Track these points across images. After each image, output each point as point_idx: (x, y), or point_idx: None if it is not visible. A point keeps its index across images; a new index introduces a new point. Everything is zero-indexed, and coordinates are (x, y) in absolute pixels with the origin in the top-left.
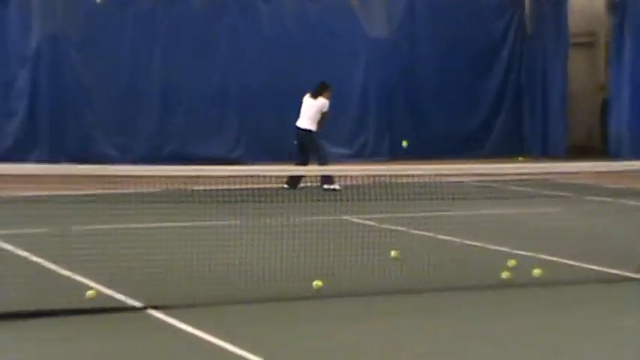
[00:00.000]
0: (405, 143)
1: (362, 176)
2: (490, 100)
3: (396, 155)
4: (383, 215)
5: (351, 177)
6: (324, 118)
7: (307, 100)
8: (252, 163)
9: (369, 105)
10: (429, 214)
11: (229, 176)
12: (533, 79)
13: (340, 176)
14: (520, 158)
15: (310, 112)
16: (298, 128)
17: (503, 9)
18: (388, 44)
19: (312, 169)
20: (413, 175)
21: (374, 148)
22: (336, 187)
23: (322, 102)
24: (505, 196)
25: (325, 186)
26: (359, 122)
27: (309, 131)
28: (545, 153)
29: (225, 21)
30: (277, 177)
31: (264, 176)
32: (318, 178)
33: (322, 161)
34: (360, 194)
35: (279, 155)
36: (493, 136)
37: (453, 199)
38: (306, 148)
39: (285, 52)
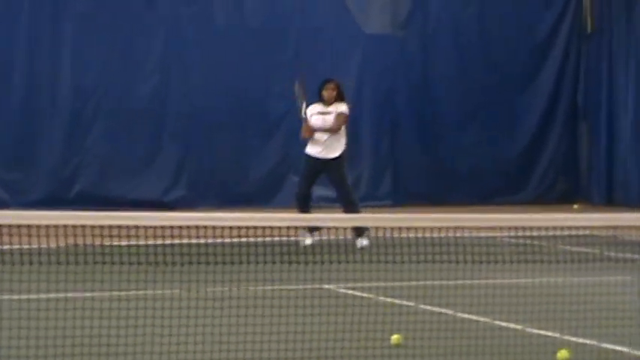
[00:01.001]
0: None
1: (351, 228)
2: (534, 123)
3: (401, 200)
4: (381, 284)
5: (336, 229)
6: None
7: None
8: (197, 210)
9: (363, 129)
10: (446, 283)
11: (166, 227)
12: (596, 94)
13: (321, 228)
14: (575, 206)
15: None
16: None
17: None
18: (390, 43)
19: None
20: (424, 228)
21: (369, 189)
22: (306, 241)
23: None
24: (553, 259)
25: (305, 241)
26: (349, 154)
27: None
28: (611, 199)
29: (161, 8)
30: (235, 228)
31: (216, 227)
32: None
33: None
34: (348, 254)
35: (234, 198)
36: (537, 174)
37: (481, 262)
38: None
39: (246, 53)
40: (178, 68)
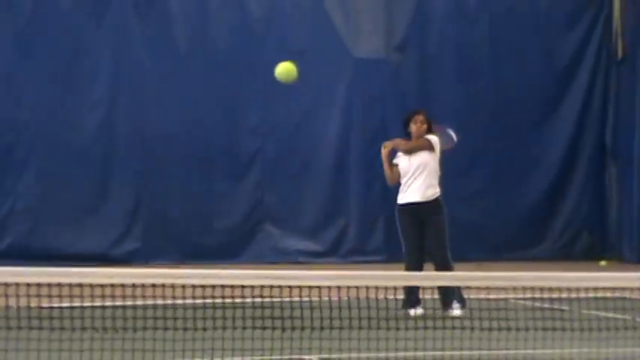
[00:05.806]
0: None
1: (335, 288)
2: (554, 166)
3: (394, 255)
4: (379, 354)
5: (320, 290)
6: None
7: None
8: (152, 265)
9: (350, 169)
10: (450, 355)
11: (115, 285)
12: (627, 132)
13: (295, 288)
14: (602, 263)
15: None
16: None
17: (578, 16)
18: (383, 69)
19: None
20: (423, 289)
21: (358, 241)
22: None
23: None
24: (576, 326)
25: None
26: (333, 199)
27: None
28: None
29: (109, 26)
30: (199, 286)
31: (177, 286)
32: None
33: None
34: (332, 318)
35: (197, 252)
36: (557, 226)
37: (490, 329)
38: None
39: (212, 80)
40: (130, 97)
